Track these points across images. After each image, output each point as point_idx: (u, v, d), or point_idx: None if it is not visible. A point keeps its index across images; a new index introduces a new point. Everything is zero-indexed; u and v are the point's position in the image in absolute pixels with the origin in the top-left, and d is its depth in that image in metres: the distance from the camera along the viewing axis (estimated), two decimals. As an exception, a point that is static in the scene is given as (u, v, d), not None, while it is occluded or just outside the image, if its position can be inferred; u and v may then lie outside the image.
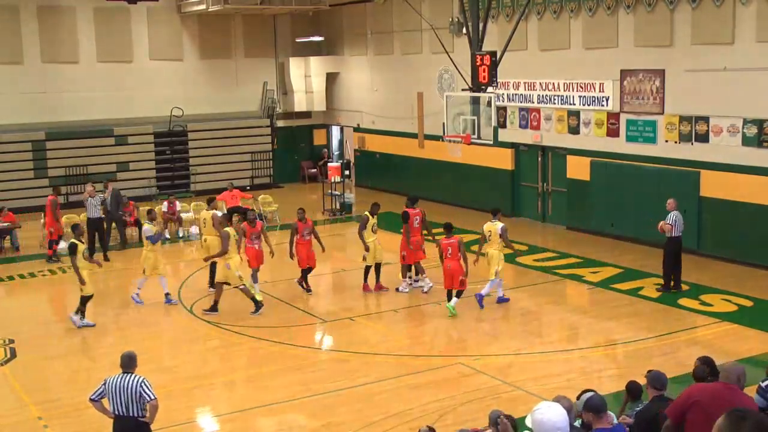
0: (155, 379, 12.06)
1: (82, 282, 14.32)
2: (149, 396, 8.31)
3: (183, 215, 22.31)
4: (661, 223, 15.57)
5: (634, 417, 7.68)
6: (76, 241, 14.42)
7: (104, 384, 8.47)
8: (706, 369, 7.95)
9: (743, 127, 17.17)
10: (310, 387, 11.77)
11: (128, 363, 8.54)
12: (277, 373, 12.38)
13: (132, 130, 27.46)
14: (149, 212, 16.78)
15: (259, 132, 29.66)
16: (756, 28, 16.71)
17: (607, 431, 6.23)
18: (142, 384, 8.33)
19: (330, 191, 24.65)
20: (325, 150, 31.54)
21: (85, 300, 14.60)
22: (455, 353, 13.04)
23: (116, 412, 8.43)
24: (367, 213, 16.44)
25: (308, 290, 16.35)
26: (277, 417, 10.88)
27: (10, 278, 18.44)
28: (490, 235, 15.15)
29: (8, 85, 25.84)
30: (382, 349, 13.18)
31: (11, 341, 13.92)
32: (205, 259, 16.21)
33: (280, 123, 30.69)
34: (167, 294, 15.90)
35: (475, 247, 15.57)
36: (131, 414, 8.35)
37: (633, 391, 8.33)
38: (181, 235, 21.96)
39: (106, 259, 19.60)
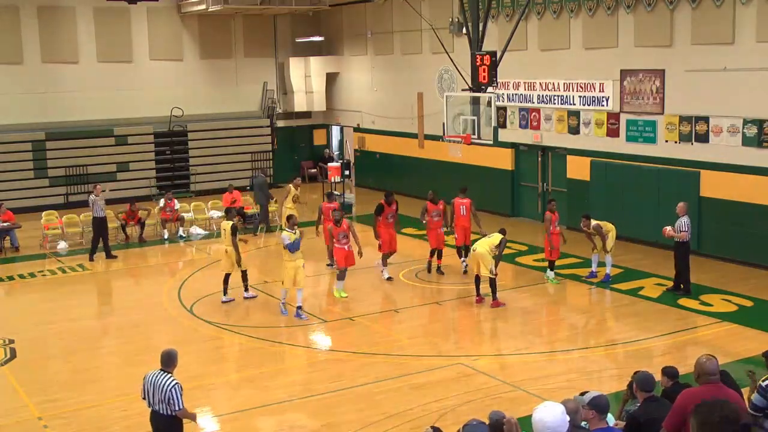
0: (155, 379, 12.09)
1: (238, 261, 15.59)
2: (176, 405, 8.36)
3: (183, 215, 22.31)
4: (669, 229, 15.50)
5: (625, 417, 7.67)
6: (235, 223, 15.91)
7: (144, 380, 8.59)
8: (669, 381, 8.01)
9: (743, 127, 17.17)
10: (310, 387, 11.77)
11: (167, 361, 8.59)
12: (277, 373, 12.38)
13: (132, 130, 27.46)
14: (289, 218, 15.68)
15: (259, 132, 29.67)
16: (756, 28, 16.71)
17: (604, 431, 6.24)
18: (173, 389, 8.35)
19: (330, 191, 24.62)
20: (327, 150, 31.53)
21: (227, 278, 15.73)
22: (455, 353, 13.03)
23: (150, 406, 8.56)
24: (504, 236, 15.32)
25: (388, 277, 16.86)
26: (277, 417, 10.87)
27: (10, 278, 18.44)
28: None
29: (8, 85, 25.84)
30: (382, 349, 13.17)
31: (11, 341, 13.91)
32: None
33: (280, 123, 30.69)
34: (299, 308, 14.86)
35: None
36: (160, 411, 8.46)
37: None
38: (181, 234, 21.97)
39: (112, 256, 19.66)
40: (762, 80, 16.73)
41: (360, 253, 15.97)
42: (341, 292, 15.93)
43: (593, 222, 16.49)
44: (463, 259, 17.48)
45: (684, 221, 15.30)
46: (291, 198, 20.10)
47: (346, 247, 15.74)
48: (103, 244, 19.72)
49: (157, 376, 8.46)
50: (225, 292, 15.81)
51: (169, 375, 8.48)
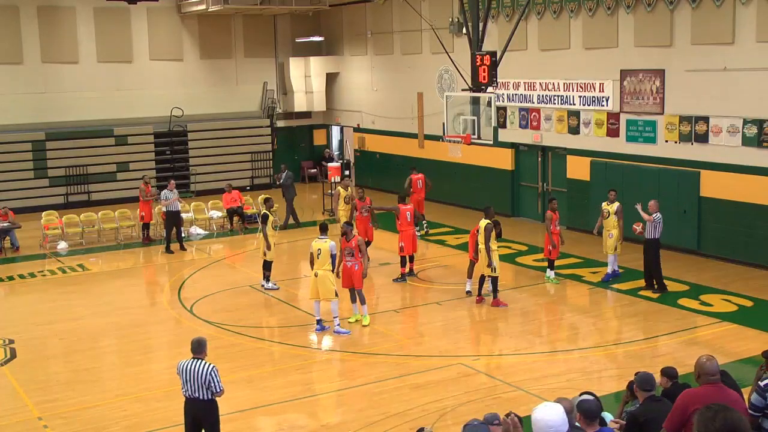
0: (155, 379, 12.10)
1: (268, 248, 16.12)
2: (216, 387, 8.56)
3: (183, 215, 22.27)
4: (638, 224, 15.87)
5: (626, 417, 7.66)
6: (268, 213, 16.61)
7: (177, 370, 8.72)
8: (669, 381, 8.02)
9: (743, 127, 17.17)
10: (310, 387, 11.78)
11: (197, 348, 8.75)
12: (277, 373, 12.39)
13: (132, 130, 27.47)
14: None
15: (259, 132, 29.68)
16: (756, 28, 16.71)
17: None
18: (212, 373, 8.54)
19: (330, 191, 24.64)
20: (327, 150, 31.52)
21: (268, 265, 16.37)
22: (455, 353, 13.04)
23: (186, 394, 8.68)
24: (489, 221, 15.11)
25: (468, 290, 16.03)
26: (277, 417, 10.88)
27: (10, 278, 18.44)
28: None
29: (8, 85, 25.85)
30: (382, 349, 13.18)
31: (11, 341, 13.92)
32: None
33: (280, 123, 30.70)
34: (335, 319, 14.00)
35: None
36: (200, 397, 8.59)
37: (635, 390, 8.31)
38: (181, 235, 21.94)
39: (183, 248, 20.38)
40: (762, 80, 16.73)
41: (364, 274, 14.47)
42: (365, 318, 14.39)
43: (617, 204, 16.60)
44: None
45: (658, 217, 15.49)
46: (343, 200, 19.60)
47: (349, 263, 14.14)
48: (177, 236, 20.37)
49: (191, 364, 8.61)
50: (267, 279, 16.49)
51: (204, 361, 8.63)
